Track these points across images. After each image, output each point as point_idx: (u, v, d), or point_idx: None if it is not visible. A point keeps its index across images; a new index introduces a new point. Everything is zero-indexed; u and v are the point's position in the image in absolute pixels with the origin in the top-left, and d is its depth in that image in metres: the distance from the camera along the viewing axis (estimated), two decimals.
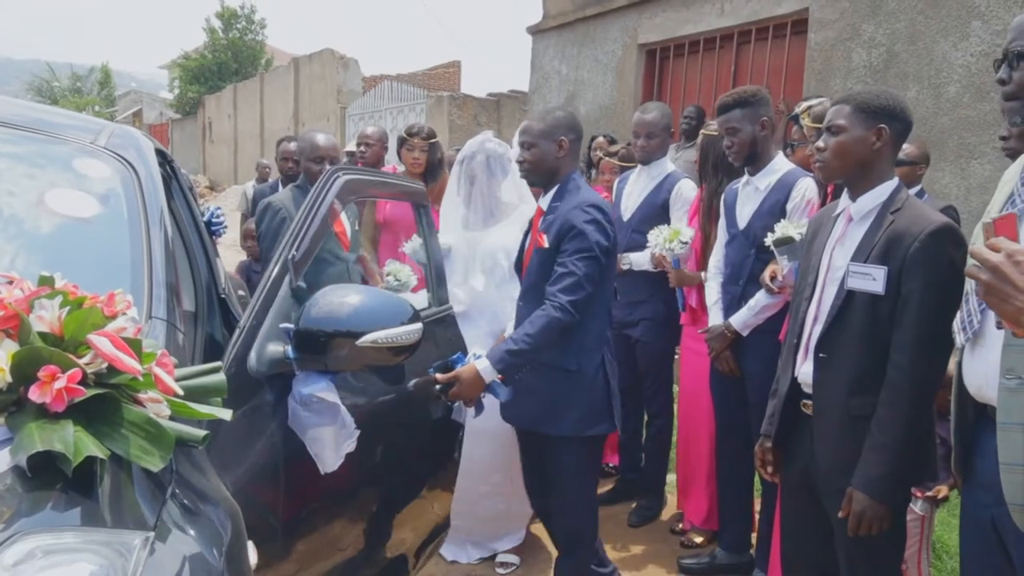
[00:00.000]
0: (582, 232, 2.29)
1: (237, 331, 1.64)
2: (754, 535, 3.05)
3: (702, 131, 3.72)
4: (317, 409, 1.62)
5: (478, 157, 3.03)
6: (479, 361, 2.23)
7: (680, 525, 3.42)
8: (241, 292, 2.73)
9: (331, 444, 1.64)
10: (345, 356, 1.63)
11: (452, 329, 2.63)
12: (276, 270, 1.72)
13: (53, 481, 0.89)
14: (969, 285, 1.58)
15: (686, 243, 3.13)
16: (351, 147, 5.05)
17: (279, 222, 3.13)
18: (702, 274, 3.12)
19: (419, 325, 1.69)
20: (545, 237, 2.39)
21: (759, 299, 2.75)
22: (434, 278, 2.63)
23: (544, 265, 2.39)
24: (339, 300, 1.64)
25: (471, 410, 2.34)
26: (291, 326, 1.63)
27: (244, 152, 19.83)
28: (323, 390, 1.62)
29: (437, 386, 2.23)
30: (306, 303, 1.66)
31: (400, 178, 3.08)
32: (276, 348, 1.63)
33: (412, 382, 2.20)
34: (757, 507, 3.06)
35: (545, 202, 2.49)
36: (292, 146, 5.00)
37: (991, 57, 4.32)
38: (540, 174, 2.48)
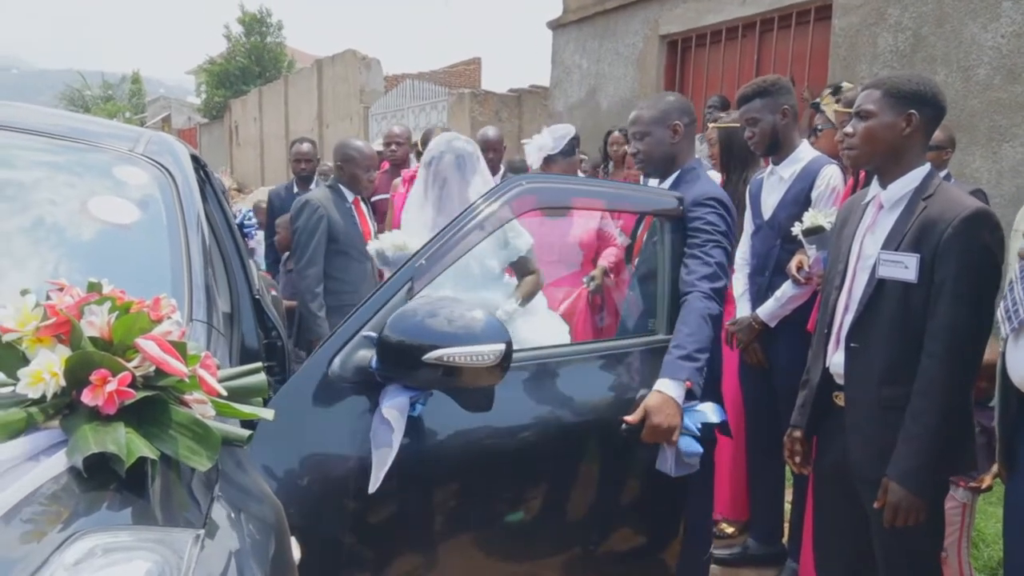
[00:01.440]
0: (709, 223, 2.16)
1: (329, 334, 1.61)
2: (786, 525, 3.04)
3: (712, 124, 3.70)
4: (389, 427, 1.52)
5: (446, 157, 2.75)
6: (658, 382, 1.95)
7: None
8: (274, 292, 2.77)
9: (381, 465, 1.53)
10: (424, 372, 1.50)
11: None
12: (397, 275, 1.67)
13: (107, 481, 0.91)
14: (1014, 273, 1.55)
15: None
16: (378, 146, 5.04)
17: (317, 219, 3.25)
18: None
19: (500, 346, 1.53)
20: None
21: (786, 290, 2.73)
22: (668, 300, 2.19)
23: None
24: (420, 311, 1.54)
25: (675, 453, 1.96)
26: (374, 334, 1.56)
27: (270, 154, 20.00)
28: (393, 406, 1.53)
29: (624, 427, 1.92)
30: (397, 311, 1.56)
31: (638, 188, 2.57)
32: (365, 355, 1.58)
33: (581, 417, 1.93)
34: (788, 497, 3.04)
35: None
36: (305, 147, 5.07)
37: (1023, 38, 4.23)
38: (656, 163, 2.33)
